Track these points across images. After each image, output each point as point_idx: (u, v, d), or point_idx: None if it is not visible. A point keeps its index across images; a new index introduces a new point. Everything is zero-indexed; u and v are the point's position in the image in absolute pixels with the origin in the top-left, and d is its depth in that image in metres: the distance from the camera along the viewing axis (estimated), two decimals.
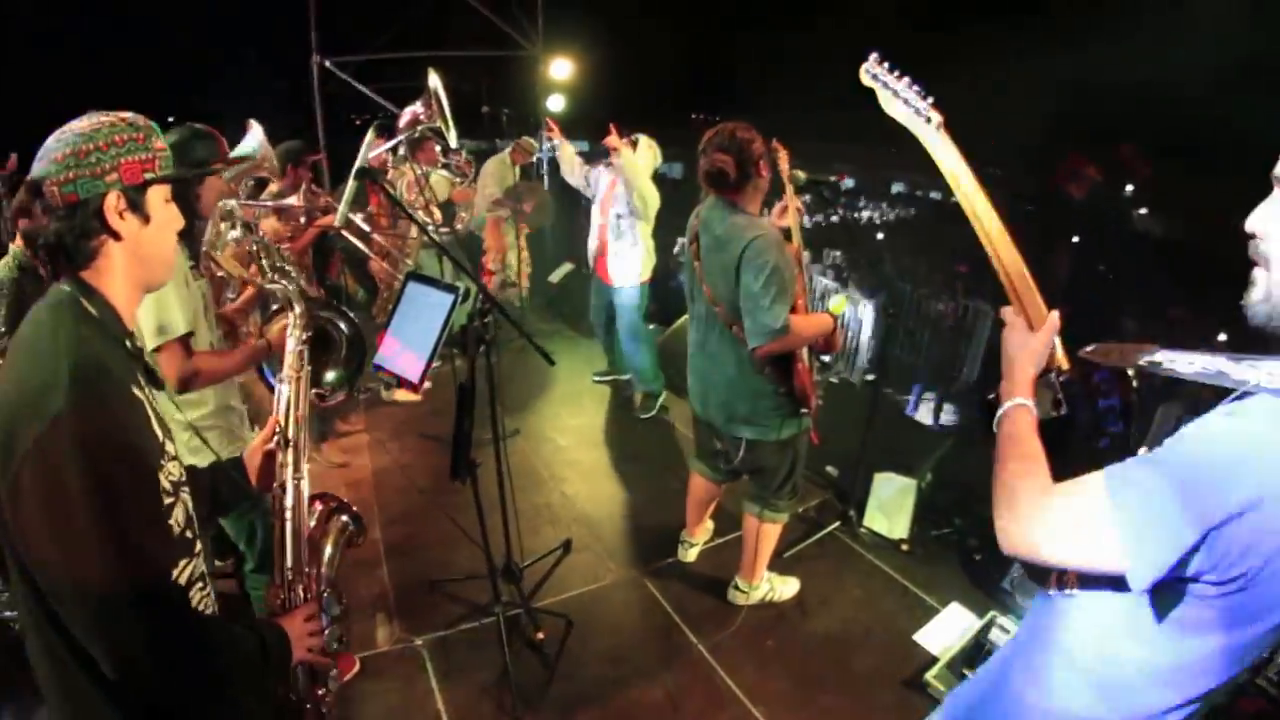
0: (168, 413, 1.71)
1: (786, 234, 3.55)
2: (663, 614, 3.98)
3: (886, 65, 1.81)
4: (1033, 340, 1.65)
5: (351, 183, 3.30)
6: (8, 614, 2.88)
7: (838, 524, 4.63)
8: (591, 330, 6.97)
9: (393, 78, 10.47)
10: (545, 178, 11.22)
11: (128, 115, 1.62)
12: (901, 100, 1.75)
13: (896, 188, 34.99)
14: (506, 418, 6.06)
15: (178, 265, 2.76)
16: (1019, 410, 1.59)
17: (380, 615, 4.00)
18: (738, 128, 3.39)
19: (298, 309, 2.22)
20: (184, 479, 1.67)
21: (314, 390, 3.25)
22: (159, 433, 1.59)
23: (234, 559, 3.56)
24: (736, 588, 3.98)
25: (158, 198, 1.64)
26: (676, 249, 8.30)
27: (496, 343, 3.40)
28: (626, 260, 5.96)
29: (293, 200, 5.25)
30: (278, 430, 2.08)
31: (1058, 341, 1.67)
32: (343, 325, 3.28)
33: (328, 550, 2.22)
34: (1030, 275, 1.67)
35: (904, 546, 4.43)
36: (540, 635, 3.72)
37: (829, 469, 5.09)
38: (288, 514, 2.06)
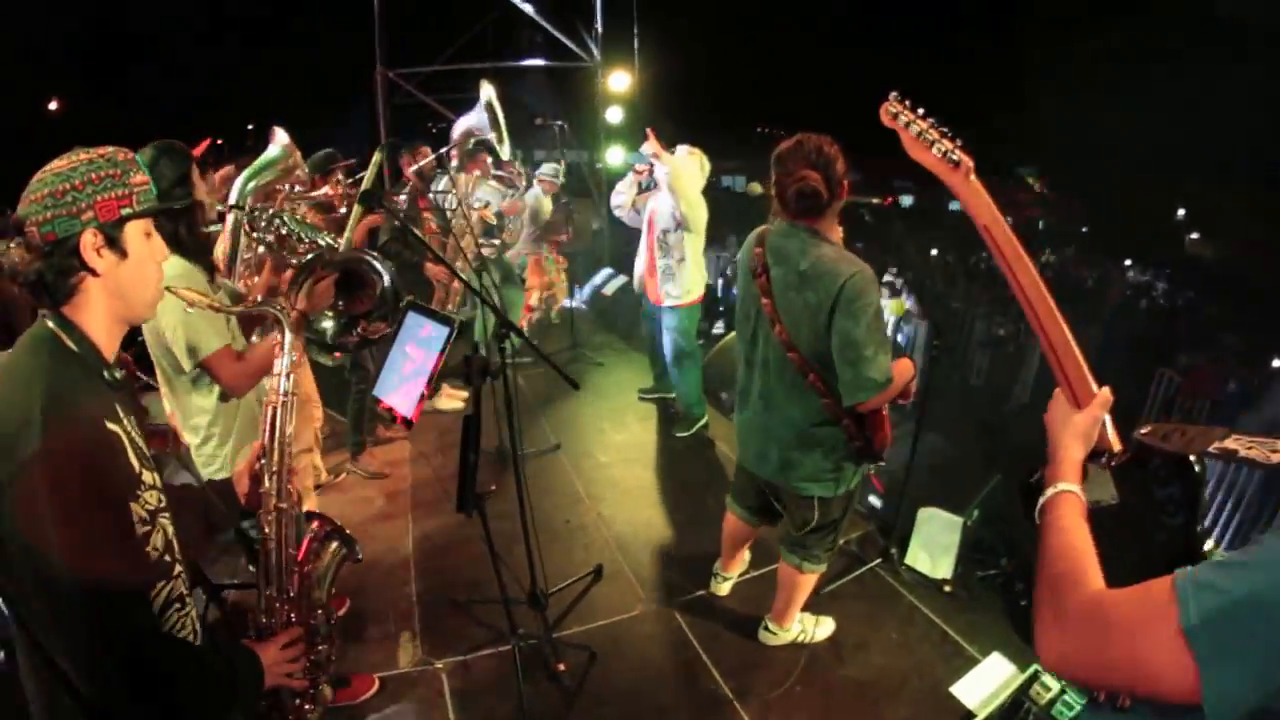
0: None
1: None
2: (690, 651, 3.86)
3: (908, 104, 1.70)
4: (1079, 418, 1.49)
5: (356, 208, 3.26)
6: None
7: (879, 561, 4.46)
8: (642, 344, 6.90)
9: (456, 88, 10.60)
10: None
11: (107, 151, 1.65)
12: (926, 143, 1.64)
13: (955, 204, 34.73)
14: (550, 430, 6.06)
15: (198, 285, 2.81)
16: (1065, 498, 1.40)
17: (405, 634, 3.97)
18: (824, 141, 3.02)
19: (287, 335, 2.18)
20: (163, 505, 1.73)
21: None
22: (135, 464, 1.64)
23: None
24: (767, 629, 3.84)
25: (136, 232, 1.67)
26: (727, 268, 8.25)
27: (511, 366, 3.30)
28: (675, 279, 5.77)
29: (325, 190, 5.25)
30: (262, 455, 2.10)
31: (1108, 420, 1.50)
32: (383, 275, 3.22)
33: (320, 574, 2.26)
34: (1076, 344, 1.52)
35: (946, 588, 4.24)
36: (561, 667, 3.63)
37: (872, 499, 4.94)
38: (270, 543, 2.09)
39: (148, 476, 1.69)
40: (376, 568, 4.50)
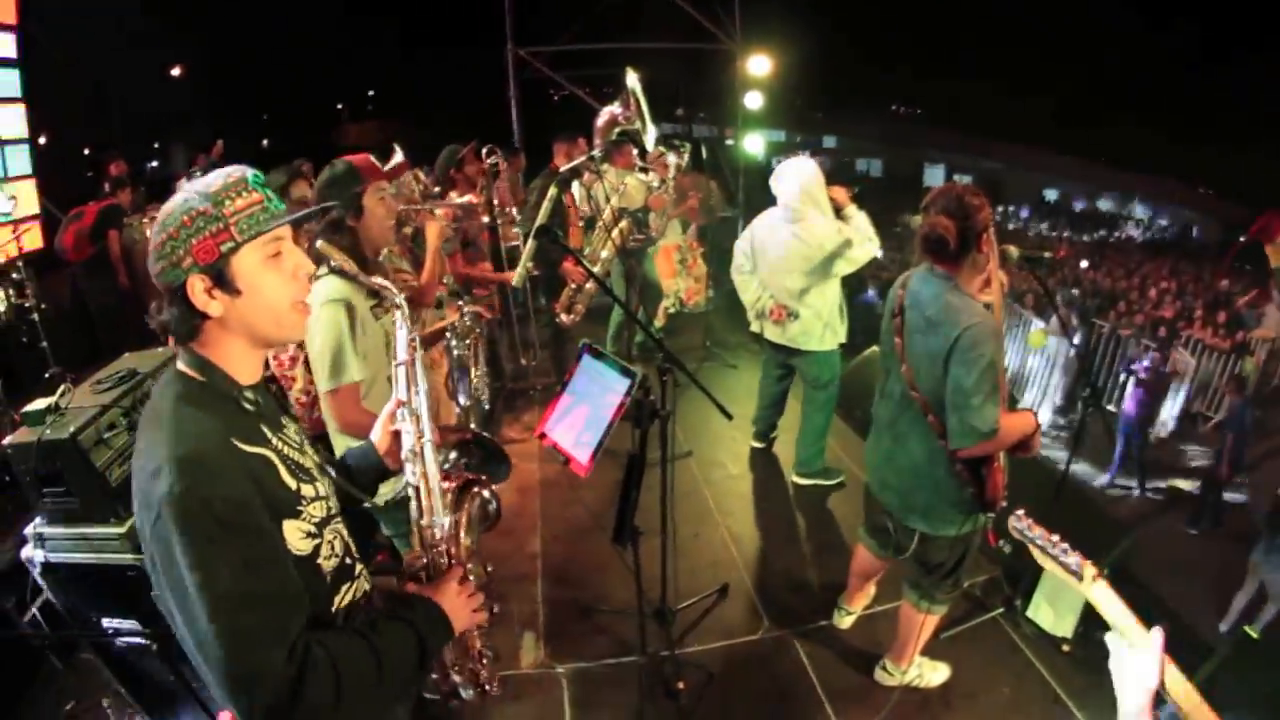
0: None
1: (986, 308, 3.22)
2: (806, 683, 3.90)
3: (1031, 521, 1.86)
4: None
5: (531, 242, 3.32)
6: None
7: (1001, 610, 4.40)
8: None
9: (588, 66, 10.55)
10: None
11: (202, 184, 1.61)
12: (1052, 557, 1.80)
13: (1104, 205, 33.52)
14: (681, 434, 5.98)
15: (358, 309, 2.87)
16: None
17: (528, 635, 4.13)
18: (966, 190, 3.07)
19: (401, 300, 2.16)
20: (334, 513, 1.82)
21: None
22: (291, 482, 1.69)
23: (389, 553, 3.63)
24: (884, 668, 3.87)
25: (251, 260, 1.62)
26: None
27: (673, 385, 3.31)
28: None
29: (468, 198, 5.30)
30: (401, 406, 2.08)
31: None
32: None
33: (465, 520, 2.21)
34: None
35: (1065, 647, 4.14)
36: (681, 685, 3.71)
37: (1002, 544, 4.87)
38: (421, 479, 2.07)
39: (309, 490, 1.73)
40: (505, 564, 4.65)
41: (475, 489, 2.28)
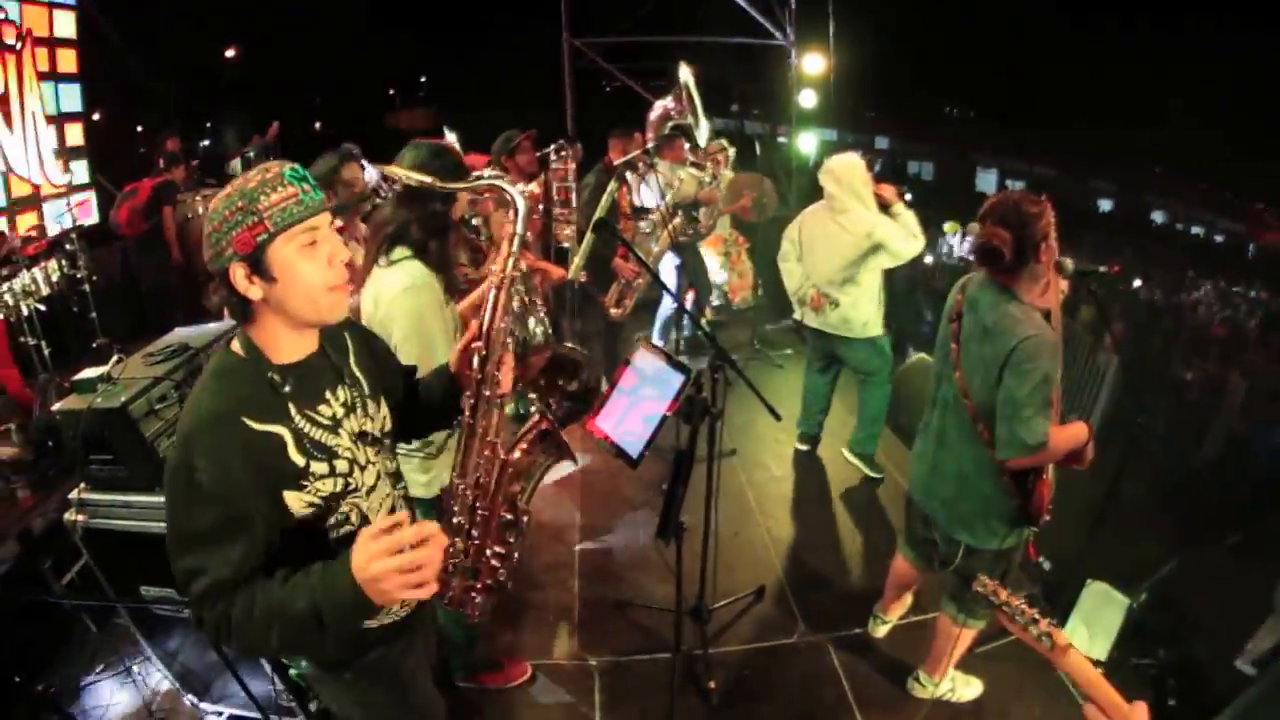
0: None
1: (1045, 316, 3.13)
2: (838, 690, 3.87)
3: (997, 585, 1.90)
4: None
5: (589, 236, 3.33)
6: None
7: None
8: None
9: (643, 58, 10.54)
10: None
11: (240, 181, 1.75)
12: (1020, 626, 1.83)
13: (1157, 217, 32.77)
14: (726, 433, 5.92)
15: (432, 296, 2.86)
16: None
17: (563, 626, 4.14)
18: (1024, 199, 3.00)
19: (521, 207, 2.14)
20: (352, 489, 1.97)
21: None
22: (300, 459, 1.85)
23: None
24: (917, 680, 3.82)
25: (286, 249, 1.75)
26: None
27: (724, 383, 3.37)
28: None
29: (531, 187, 5.31)
30: (478, 336, 2.12)
31: None
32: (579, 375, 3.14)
33: (526, 470, 2.25)
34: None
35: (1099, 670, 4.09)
36: (712, 684, 3.72)
37: (1042, 560, 4.80)
38: (468, 426, 2.14)
39: (320, 467, 1.88)
40: (541, 554, 4.69)
41: (542, 443, 2.26)
